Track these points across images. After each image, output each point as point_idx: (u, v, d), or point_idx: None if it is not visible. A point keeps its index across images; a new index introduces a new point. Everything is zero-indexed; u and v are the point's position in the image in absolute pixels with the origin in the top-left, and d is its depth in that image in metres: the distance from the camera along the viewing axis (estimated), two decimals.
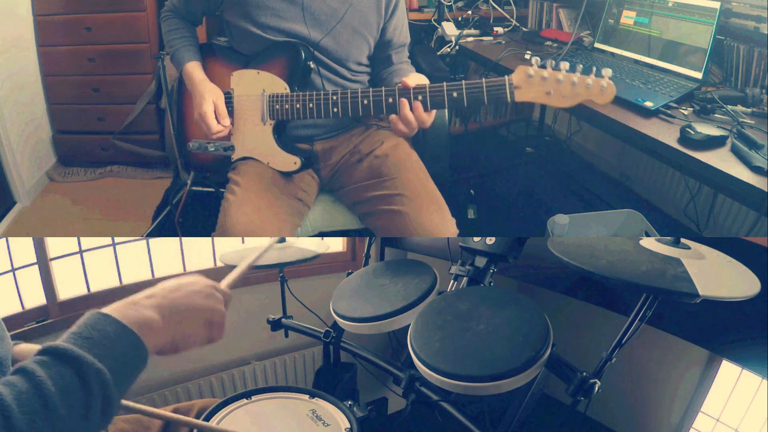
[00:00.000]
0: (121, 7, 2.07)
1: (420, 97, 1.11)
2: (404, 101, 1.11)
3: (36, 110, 2.21)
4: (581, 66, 1.01)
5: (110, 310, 0.59)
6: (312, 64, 1.28)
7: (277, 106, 1.27)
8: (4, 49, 1.97)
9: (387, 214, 1.28)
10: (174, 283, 0.66)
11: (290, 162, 1.31)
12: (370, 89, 1.16)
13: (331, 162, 1.40)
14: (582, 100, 1.02)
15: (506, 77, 1.04)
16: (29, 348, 0.82)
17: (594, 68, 1.00)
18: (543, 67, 1.02)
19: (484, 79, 1.06)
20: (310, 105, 1.22)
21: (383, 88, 1.15)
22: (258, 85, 1.28)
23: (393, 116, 1.13)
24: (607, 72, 0.99)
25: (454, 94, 1.08)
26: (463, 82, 1.07)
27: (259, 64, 1.29)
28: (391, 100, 1.13)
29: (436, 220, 1.24)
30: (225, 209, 1.24)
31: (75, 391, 0.50)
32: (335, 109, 1.19)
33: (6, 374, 0.68)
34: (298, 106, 1.23)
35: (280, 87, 1.26)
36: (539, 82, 1.03)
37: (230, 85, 1.32)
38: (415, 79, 1.13)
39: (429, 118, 1.12)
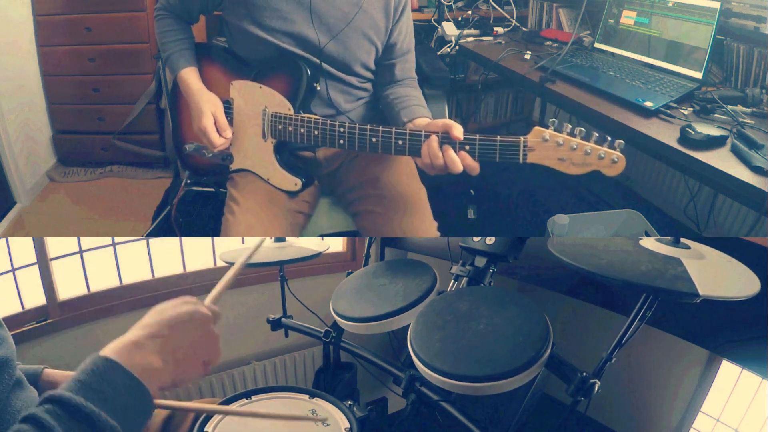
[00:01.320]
0: (121, 7, 2.07)
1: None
2: (433, 140, 1.08)
3: (36, 110, 2.21)
4: (596, 134, 1.00)
5: (115, 354, 0.57)
6: (318, 86, 1.24)
7: (280, 127, 1.23)
8: (3, 49, 1.97)
9: (368, 215, 1.29)
10: (173, 315, 0.64)
11: (291, 183, 1.28)
12: (380, 128, 1.12)
13: (332, 168, 1.40)
14: (591, 170, 1.02)
15: (521, 138, 1.03)
16: (60, 374, 0.82)
17: (608, 139, 1.00)
18: (559, 130, 1.01)
19: (498, 137, 1.04)
20: (315, 132, 1.18)
21: (393, 129, 1.11)
22: (260, 101, 1.24)
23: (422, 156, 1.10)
24: (620, 144, 0.99)
25: (467, 147, 1.06)
26: (477, 136, 1.05)
27: (261, 78, 1.25)
28: (401, 142, 1.11)
29: (414, 222, 1.25)
30: (225, 230, 1.24)
31: None
32: (341, 141, 1.16)
33: (12, 375, 0.68)
34: (302, 131, 1.20)
35: (284, 107, 1.22)
36: (553, 147, 1.01)
37: (229, 94, 1.28)
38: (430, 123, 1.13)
39: (453, 161, 1.07)
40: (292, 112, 1.22)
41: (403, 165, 1.34)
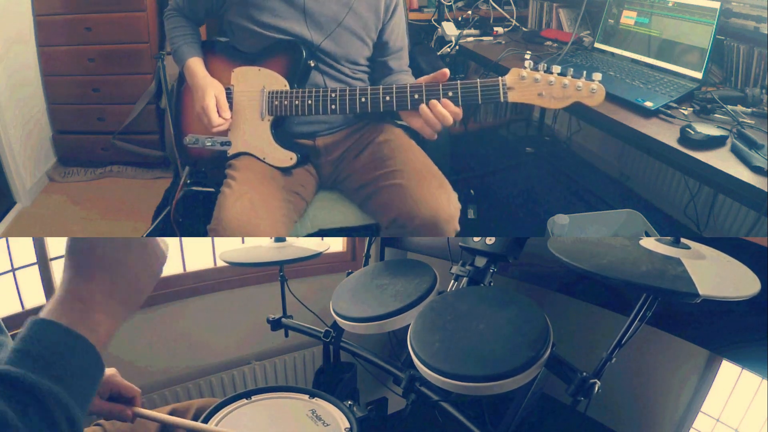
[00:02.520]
0: (121, 7, 2.07)
1: (416, 96, 1.13)
2: (423, 107, 1.13)
3: (36, 110, 2.21)
4: (572, 69, 1.05)
5: (55, 313, 0.54)
6: (312, 63, 1.29)
7: (276, 102, 1.28)
8: (4, 49, 1.97)
9: (387, 189, 1.28)
10: (105, 250, 0.59)
11: (286, 158, 1.33)
12: (368, 88, 1.18)
13: (332, 157, 1.42)
14: (572, 102, 1.06)
15: (500, 78, 1.08)
16: None
17: (584, 72, 1.04)
18: (536, 69, 1.06)
19: (478, 80, 1.09)
20: (309, 102, 1.24)
21: (381, 87, 1.18)
22: (258, 82, 1.30)
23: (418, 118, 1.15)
24: (597, 76, 1.04)
25: (450, 93, 1.11)
26: (459, 82, 1.10)
27: (260, 62, 1.31)
28: (388, 98, 1.16)
29: (437, 193, 1.23)
30: (221, 203, 1.24)
31: (39, 422, 0.47)
32: (333, 106, 1.21)
33: None
34: (297, 102, 1.26)
35: (280, 84, 1.28)
36: (531, 84, 1.06)
37: (231, 81, 1.34)
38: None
39: (443, 114, 1.13)
40: (287, 87, 1.28)
41: (415, 147, 1.37)
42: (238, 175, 1.30)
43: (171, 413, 1.08)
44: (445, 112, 1.11)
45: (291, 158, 1.33)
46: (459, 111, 1.13)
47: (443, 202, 1.21)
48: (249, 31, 1.30)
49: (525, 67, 1.07)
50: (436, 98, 1.12)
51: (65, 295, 0.56)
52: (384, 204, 1.29)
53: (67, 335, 0.53)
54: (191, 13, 1.41)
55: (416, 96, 1.14)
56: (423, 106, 1.13)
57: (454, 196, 1.25)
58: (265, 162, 1.34)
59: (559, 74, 1.05)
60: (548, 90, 1.06)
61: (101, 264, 0.58)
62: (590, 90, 1.04)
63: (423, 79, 1.16)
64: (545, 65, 1.06)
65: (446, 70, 1.12)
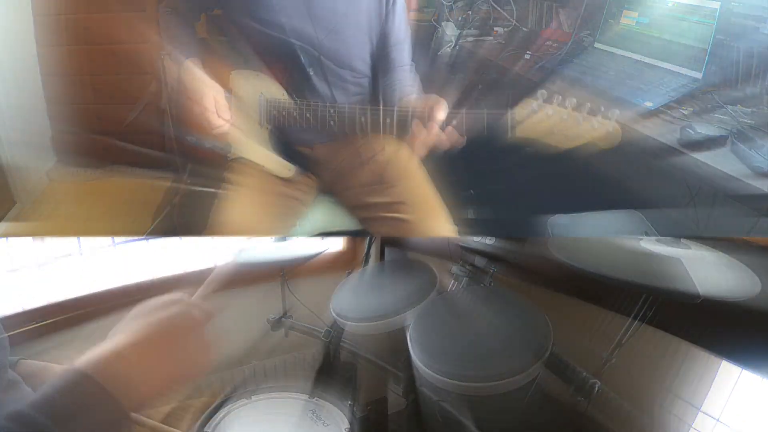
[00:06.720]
0: (121, 7, 2.07)
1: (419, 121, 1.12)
2: (417, 123, 1.11)
3: (36, 110, 2.20)
4: (588, 105, 0.97)
5: (92, 366, 0.51)
6: (312, 72, 1.28)
7: (275, 112, 1.27)
8: (4, 49, 1.97)
9: (389, 221, 1.28)
10: (160, 318, 0.57)
11: (285, 168, 1.32)
12: (368, 107, 1.17)
13: (331, 165, 1.41)
14: (585, 142, 0.99)
15: (509, 111, 1.02)
16: (35, 365, 0.81)
17: (602, 108, 0.96)
18: (549, 102, 0.98)
19: (485, 110, 1.05)
20: (308, 115, 1.22)
21: (381, 107, 1.16)
22: (256, 87, 1.29)
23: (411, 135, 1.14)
24: (614, 114, 0.96)
25: (454, 123, 1.09)
26: (464, 110, 1.07)
27: (258, 66, 1.29)
28: (389, 120, 1.14)
29: (438, 227, 1.25)
30: (218, 207, 1.25)
31: None
32: (332, 123, 1.20)
33: (2, 378, 0.68)
34: (295, 114, 1.24)
35: (279, 92, 1.27)
36: (542, 120, 1.00)
37: (228, 84, 1.32)
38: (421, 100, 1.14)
39: (435, 137, 1.11)
40: (286, 96, 1.26)
41: (417, 170, 1.35)
42: (237, 178, 1.30)
43: (171, 412, 1.08)
44: (443, 137, 1.09)
45: (289, 169, 1.33)
46: (462, 140, 1.10)
47: (442, 233, 1.24)
48: (247, 28, 1.28)
49: (537, 98, 1.00)
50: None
51: (106, 351, 0.53)
52: (387, 233, 1.31)
53: (100, 392, 0.49)
54: (186, 10, 1.39)
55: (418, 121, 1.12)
56: (420, 128, 1.10)
57: (451, 224, 1.27)
58: (264, 168, 1.34)
59: (574, 109, 0.98)
60: (560, 127, 0.99)
61: (158, 332, 0.55)
62: (606, 131, 0.97)
63: (422, 103, 1.12)
64: (560, 97, 0.98)
65: (443, 112, 1.09)
